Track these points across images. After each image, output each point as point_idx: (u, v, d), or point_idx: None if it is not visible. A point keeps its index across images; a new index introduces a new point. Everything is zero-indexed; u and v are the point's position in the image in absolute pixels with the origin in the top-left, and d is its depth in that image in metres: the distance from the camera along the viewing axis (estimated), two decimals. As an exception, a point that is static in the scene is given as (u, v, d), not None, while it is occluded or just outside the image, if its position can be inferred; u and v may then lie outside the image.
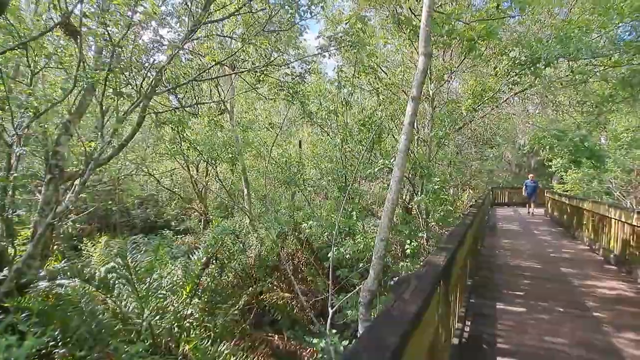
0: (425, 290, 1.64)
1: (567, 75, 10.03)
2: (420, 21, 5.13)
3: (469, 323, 4.05)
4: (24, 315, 4.42)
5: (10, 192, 5.93)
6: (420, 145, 8.75)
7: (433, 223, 7.98)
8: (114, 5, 5.70)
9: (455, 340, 3.56)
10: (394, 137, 9.83)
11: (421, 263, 6.99)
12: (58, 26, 4.49)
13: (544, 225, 11.71)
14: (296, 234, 9.85)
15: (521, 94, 12.12)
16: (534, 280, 5.68)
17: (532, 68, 6.79)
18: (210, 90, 14.49)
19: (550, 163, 15.65)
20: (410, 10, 7.78)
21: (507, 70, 7.61)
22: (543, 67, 6.78)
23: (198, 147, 11.44)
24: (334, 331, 6.09)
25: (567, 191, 14.48)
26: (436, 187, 6.43)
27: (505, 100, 12.42)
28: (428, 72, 6.56)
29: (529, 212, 14.61)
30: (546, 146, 12.19)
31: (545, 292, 5.08)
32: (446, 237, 3.61)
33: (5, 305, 4.43)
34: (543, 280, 5.68)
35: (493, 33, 6.04)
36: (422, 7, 4.45)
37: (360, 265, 7.16)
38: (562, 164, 14.35)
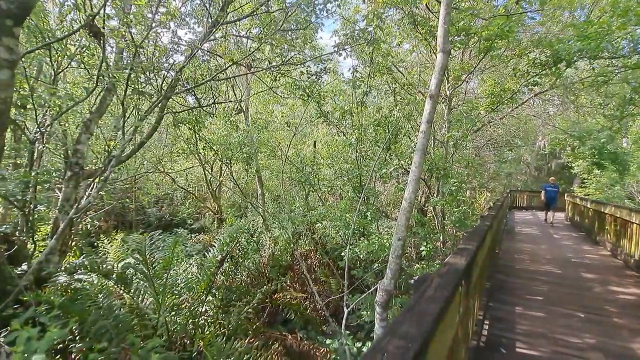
0: (449, 288, 1.60)
1: (589, 76, 9.79)
2: (437, 17, 5.07)
3: (487, 326, 3.98)
4: (43, 308, 4.51)
5: (31, 189, 6.10)
6: (436, 147, 8.63)
7: (450, 225, 7.85)
8: (134, 7, 5.85)
9: (473, 343, 3.50)
10: (409, 137, 9.74)
11: (437, 265, 6.93)
12: (82, 28, 4.61)
13: (564, 230, 11.38)
14: (310, 234, 9.85)
15: (541, 95, 11.86)
16: (554, 285, 5.54)
17: (552, 68, 6.60)
18: (227, 90, 14.67)
19: (573, 165, 15.19)
20: (428, 8, 7.69)
21: (527, 70, 7.42)
22: (564, 67, 6.60)
23: (214, 147, 11.57)
24: (347, 332, 6.06)
25: (588, 195, 14.04)
26: (453, 188, 6.32)
27: (525, 102, 12.15)
28: (445, 71, 6.47)
29: (546, 220, 12.84)
30: (567, 148, 11.87)
31: (565, 297, 4.96)
32: (466, 237, 3.55)
33: (24, 299, 4.52)
34: (563, 285, 5.55)
35: (511, 31, 5.90)
36: (439, 4, 4.39)
37: (375, 266, 7.09)
38: (585, 167, 13.92)
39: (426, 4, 7.52)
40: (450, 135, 7.73)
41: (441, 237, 7.68)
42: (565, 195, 14.22)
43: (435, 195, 8.42)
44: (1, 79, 2.93)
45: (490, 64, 9.86)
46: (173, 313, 5.73)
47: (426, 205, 10.09)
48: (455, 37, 6.25)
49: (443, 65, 3.77)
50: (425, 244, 6.69)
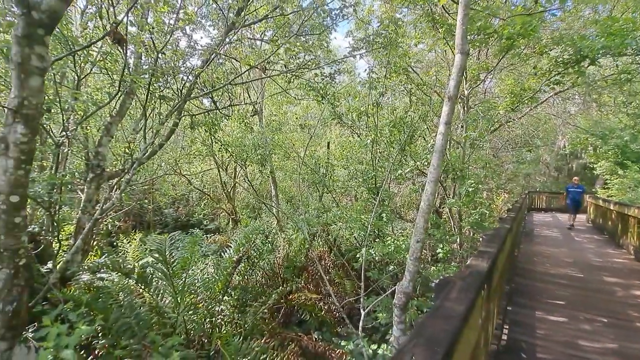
0: (472, 291, 1.60)
1: (611, 74, 9.53)
2: (454, 19, 5.02)
3: (506, 330, 3.92)
4: (70, 306, 4.67)
5: (56, 190, 6.30)
6: (453, 147, 8.52)
7: (467, 227, 7.74)
8: (152, 13, 6.01)
9: (493, 347, 3.45)
10: (424, 138, 9.65)
11: (454, 268, 6.85)
12: (107, 35, 4.77)
13: (585, 233, 11.08)
14: (324, 235, 9.86)
15: (562, 94, 11.57)
16: (575, 289, 5.42)
17: (575, 67, 6.43)
18: (242, 92, 14.85)
19: (595, 165, 14.73)
20: (444, 9, 7.61)
21: (549, 69, 7.25)
22: (587, 65, 6.43)
23: (229, 149, 11.73)
24: (362, 334, 6.05)
25: (610, 197, 13.60)
26: (470, 189, 6.23)
27: (545, 101, 11.86)
28: (464, 72, 6.39)
29: (571, 226, 11.62)
30: (588, 147, 11.55)
31: (587, 301, 4.86)
32: (486, 240, 3.51)
33: (50, 296, 4.69)
34: (584, 289, 5.43)
35: (533, 30, 5.78)
36: (456, 5, 4.35)
37: (390, 268, 7.06)
38: (607, 167, 13.48)
39: (442, 5, 7.44)
40: (467, 135, 7.63)
41: (458, 239, 7.57)
42: (587, 197, 13.77)
43: (451, 196, 8.32)
44: (33, 86, 3.07)
45: (508, 63, 9.67)
46: (191, 312, 5.84)
47: (442, 206, 9.97)
48: (475, 35, 6.16)
49: (461, 67, 3.74)
50: (441, 246, 6.62)
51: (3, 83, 5.69)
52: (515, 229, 5.87)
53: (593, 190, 17.32)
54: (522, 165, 15.93)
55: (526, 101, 8.34)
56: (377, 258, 6.94)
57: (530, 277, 5.98)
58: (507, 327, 3.99)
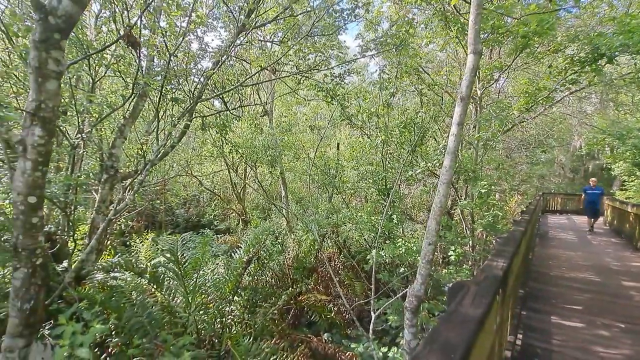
0: (488, 296, 1.56)
1: (629, 72, 9.28)
2: (466, 19, 4.95)
3: (521, 336, 3.84)
4: (85, 304, 4.77)
5: (72, 190, 6.43)
6: (465, 148, 8.41)
7: (479, 229, 7.62)
8: (164, 16, 6.09)
9: (507, 353, 3.38)
10: (435, 139, 9.55)
11: (467, 271, 6.75)
12: (121, 39, 4.85)
13: (602, 236, 10.79)
14: (334, 236, 9.84)
15: (577, 93, 11.30)
16: (592, 293, 5.29)
17: (592, 65, 6.27)
18: (252, 93, 14.94)
19: (612, 166, 14.36)
20: (455, 9, 7.52)
21: (565, 67, 7.08)
22: (604, 63, 6.25)
23: (240, 150, 11.81)
24: (372, 337, 6.00)
25: (628, 198, 13.22)
26: (483, 190, 6.12)
27: (560, 100, 11.60)
28: (476, 72, 6.29)
29: (590, 230, 11.02)
30: (605, 147, 11.24)
31: (604, 306, 4.74)
32: (500, 243, 3.45)
33: (66, 295, 4.78)
34: (602, 294, 5.29)
35: (550, 29, 5.63)
36: (468, 5, 4.28)
37: (401, 271, 6.99)
38: (625, 168, 13.11)
39: (454, 5, 7.34)
40: (479, 136, 7.52)
41: (470, 242, 7.45)
42: (604, 199, 13.39)
43: (463, 198, 8.22)
44: (50, 89, 3.14)
45: (522, 62, 9.50)
46: (202, 312, 5.88)
47: (453, 208, 9.86)
48: (489, 34, 6.05)
49: (474, 67, 3.68)
50: (453, 248, 6.53)
51: (22, 87, 5.84)
52: (529, 232, 5.75)
53: (610, 191, 16.87)
54: (536, 166, 15.62)
55: (541, 101, 8.16)
56: (387, 260, 6.89)
57: (545, 281, 5.86)
58: (522, 332, 3.92)
